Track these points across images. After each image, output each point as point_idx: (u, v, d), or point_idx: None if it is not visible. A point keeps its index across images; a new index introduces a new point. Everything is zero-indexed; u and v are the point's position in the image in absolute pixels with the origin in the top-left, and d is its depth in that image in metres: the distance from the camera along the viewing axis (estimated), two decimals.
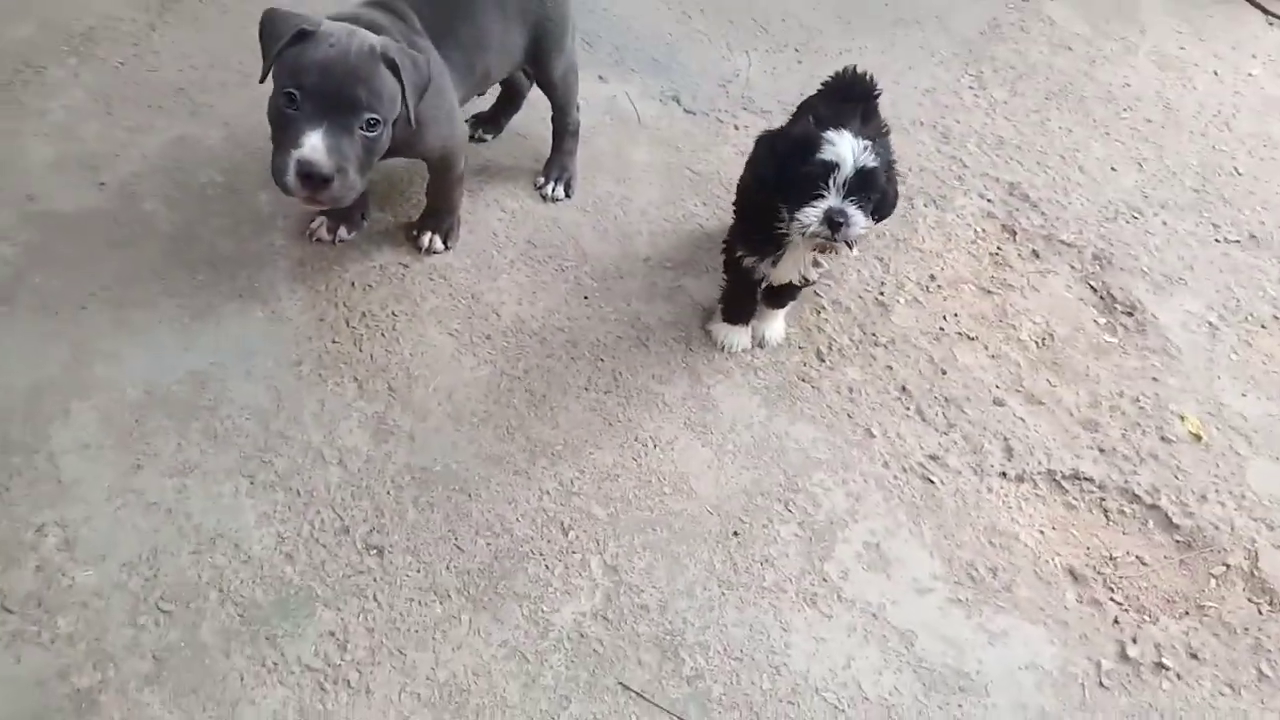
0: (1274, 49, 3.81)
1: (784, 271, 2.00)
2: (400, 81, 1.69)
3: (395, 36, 1.80)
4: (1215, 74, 3.57)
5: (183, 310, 1.95)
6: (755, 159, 1.89)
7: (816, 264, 1.99)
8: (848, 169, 1.74)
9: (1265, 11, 4.03)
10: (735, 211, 2.04)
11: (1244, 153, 3.20)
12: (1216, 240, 2.82)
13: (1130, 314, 2.51)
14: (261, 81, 1.68)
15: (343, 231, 2.14)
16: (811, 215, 1.75)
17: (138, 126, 2.28)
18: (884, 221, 1.98)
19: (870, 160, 1.75)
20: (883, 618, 1.77)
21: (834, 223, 1.74)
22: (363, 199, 2.16)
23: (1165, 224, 2.82)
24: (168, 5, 2.60)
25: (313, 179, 1.62)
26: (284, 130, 1.65)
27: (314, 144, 1.61)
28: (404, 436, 1.84)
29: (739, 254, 2.02)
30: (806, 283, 2.06)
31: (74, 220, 2.05)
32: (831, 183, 1.74)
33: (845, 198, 1.75)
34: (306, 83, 1.62)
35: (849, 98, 2.08)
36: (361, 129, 1.67)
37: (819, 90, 2.16)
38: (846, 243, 1.80)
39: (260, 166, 2.25)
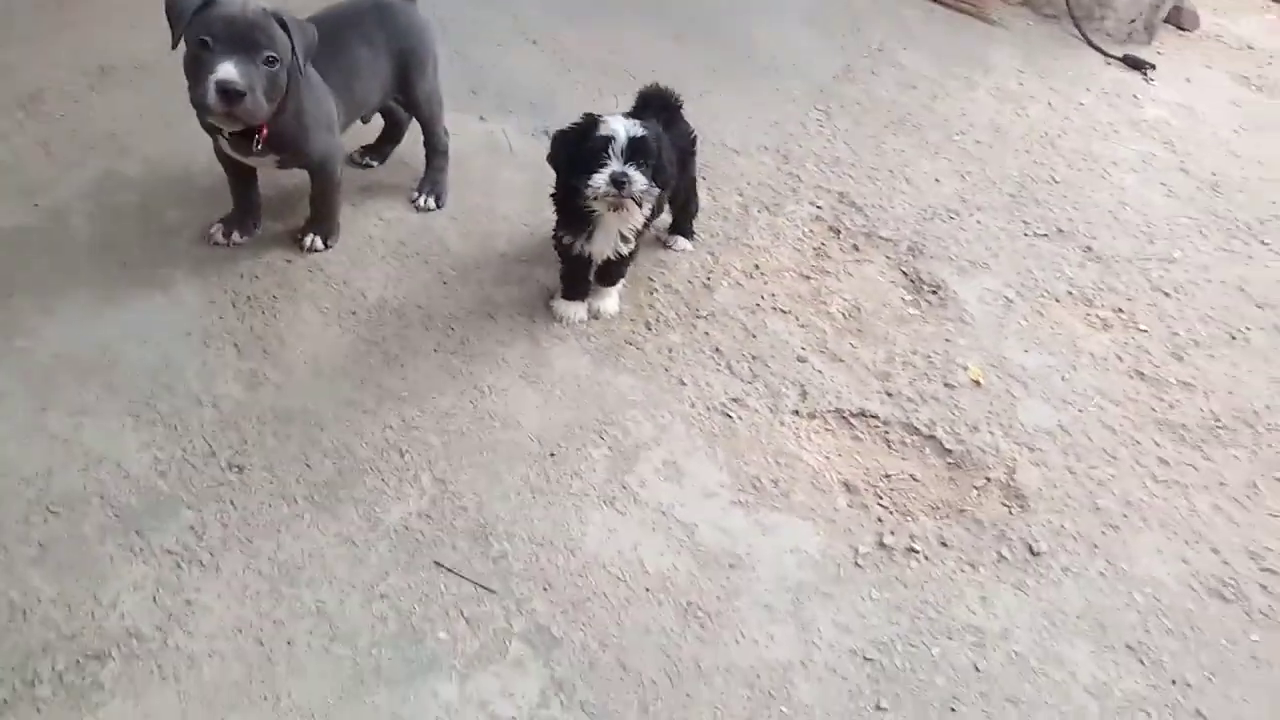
0: (1108, 83, 4.30)
1: (600, 246, 2.38)
2: (289, 35, 2.11)
3: None
4: (1049, 104, 4.04)
5: (94, 297, 2.33)
6: (553, 149, 2.30)
7: (624, 238, 2.38)
8: (622, 140, 2.15)
9: (1103, 53, 4.55)
10: (554, 205, 2.44)
11: (1063, 165, 3.63)
12: (1025, 234, 3.22)
13: (935, 292, 2.88)
14: (174, 47, 2.09)
15: (236, 235, 2.54)
16: (599, 180, 2.15)
17: (72, 163, 2.70)
18: (665, 189, 2.34)
19: (639, 131, 2.16)
20: (670, 515, 2.09)
21: (618, 181, 2.14)
22: (255, 210, 2.57)
23: (979, 222, 3.22)
24: (106, 72, 3.06)
25: (229, 94, 2.01)
26: (200, 67, 2.04)
27: (228, 68, 2.01)
28: (271, 387, 2.20)
29: (562, 237, 2.41)
30: (621, 258, 2.43)
31: (8, 233, 2.45)
32: (611, 152, 2.15)
33: (625, 163, 2.15)
34: (216, 31, 2.03)
35: (653, 107, 2.50)
36: (263, 63, 2.07)
37: (632, 105, 2.58)
38: (634, 199, 2.19)
39: (172, 188, 2.67)
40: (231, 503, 1.95)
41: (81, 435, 2.02)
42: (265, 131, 2.20)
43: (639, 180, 2.16)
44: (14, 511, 1.87)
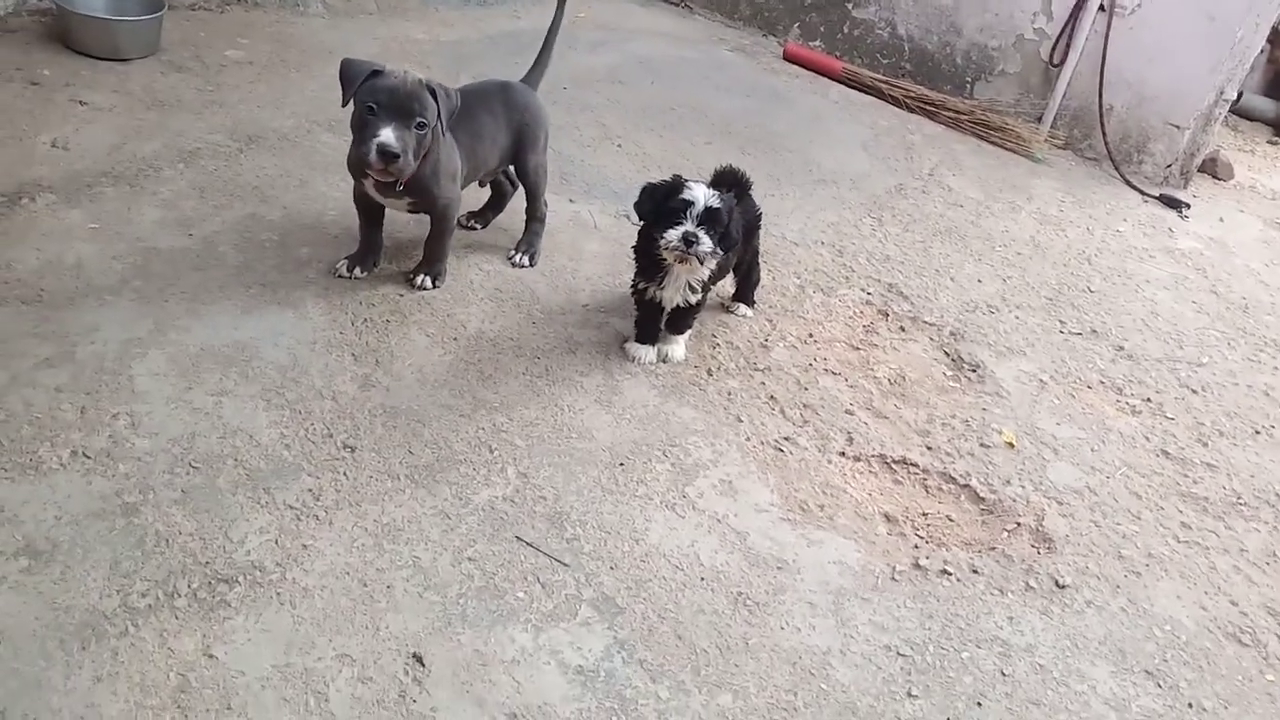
0: (1144, 217, 4.64)
1: (670, 293, 2.71)
2: (437, 103, 2.55)
3: None
4: (1087, 229, 4.37)
5: (235, 308, 2.70)
6: (640, 198, 2.66)
7: (691, 288, 2.70)
8: (699, 206, 2.50)
9: (1141, 192, 4.91)
10: (634, 255, 2.78)
11: (1099, 279, 3.93)
12: (1060, 331, 3.49)
13: (974, 370, 3.15)
14: (344, 105, 2.55)
15: (359, 270, 2.92)
16: (672, 235, 2.49)
17: (221, 205, 3.14)
18: (728, 252, 2.67)
19: (715, 202, 2.51)
20: (725, 522, 2.32)
21: (688, 239, 2.48)
22: (377, 250, 2.96)
23: (1017, 318, 3.51)
24: (254, 139, 3.55)
25: (386, 155, 2.45)
26: (364, 129, 2.50)
27: (387, 134, 2.46)
28: (381, 389, 2.51)
29: (638, 284, 2.75)
30: (689, 306, 2.75)
31: (167, 253, 2.86)
32: (688, 214, 2.50)
33: (698, 226, 2.50)
34: (382, 100, 2.49)
35: (725, 184, 2.86)
36: (415, 128, 2.51)
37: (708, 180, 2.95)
38: (698, 258, 2.52)
39: (305, 231, 3.08)
40: (344, 474, 2.23)
41: (221, 410, 2.34)
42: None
43: (705, 242, 2.50)
44: (162, 463, 2.17)
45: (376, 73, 2.52)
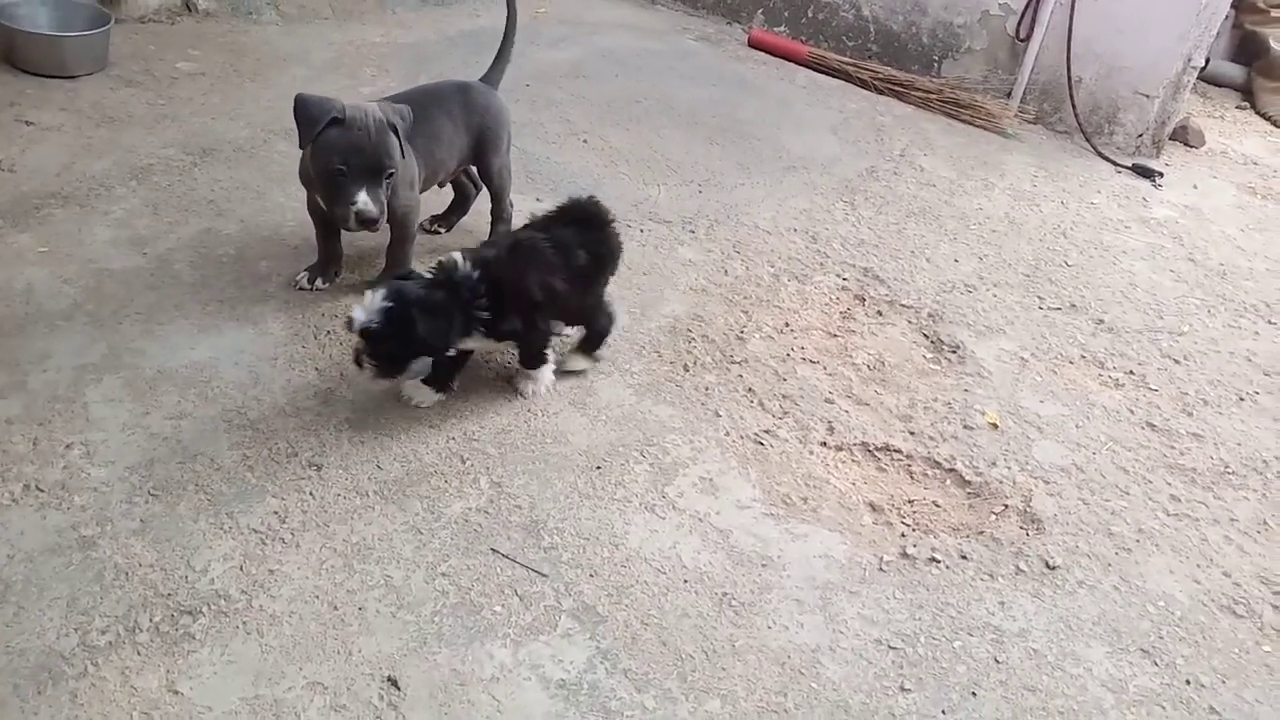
0: (1118, 187, 4.60)
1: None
2: (399, 138, 2.48)
3: None
4: (1062, 203, 4.33)
5: (193, 327, 2.61)
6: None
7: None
8: (355, 326, 2.23)
9: (1113, 163, 4.87)
10: None
11: (1076, 252, 3.89)
12: (1039, 308, 3.44)
13: (954, 351, 3.10)
14: (301, 148, 2.51)
15: (319, 281, 2.83)
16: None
17: (175, 221, 3.05)
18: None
19: (376, 321, 2.21)
20: (706, 521, 2.26)
21: (357, 358, 2.30)
22: (337, 260, 2.88)
23: (995, 296, 3.46)
24: (208, 151, 3.46)
25: (366, 221, 2.44)
26: (338, 190, 2.46)
27: (364, 199, 2.44)
28: (346, 403, 2.44)
29: None
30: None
31: (120, 274, 2.77)
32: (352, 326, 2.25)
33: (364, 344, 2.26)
34: (352, 161, 2.43)
35: (576, 222, 2.50)
36: (386, 179, 2.48)
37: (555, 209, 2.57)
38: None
39: (263, 245, 3.00)
40: (311, 494, 2.16)
41: (180, 434, 2.26)
42: None
43: (367, 369, 2.28)
44: (119, 493, 2.09)
45: (337, 120, 2.44)
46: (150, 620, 1.84)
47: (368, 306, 2.22)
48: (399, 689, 1.79)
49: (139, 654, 1.78)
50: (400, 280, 2.36)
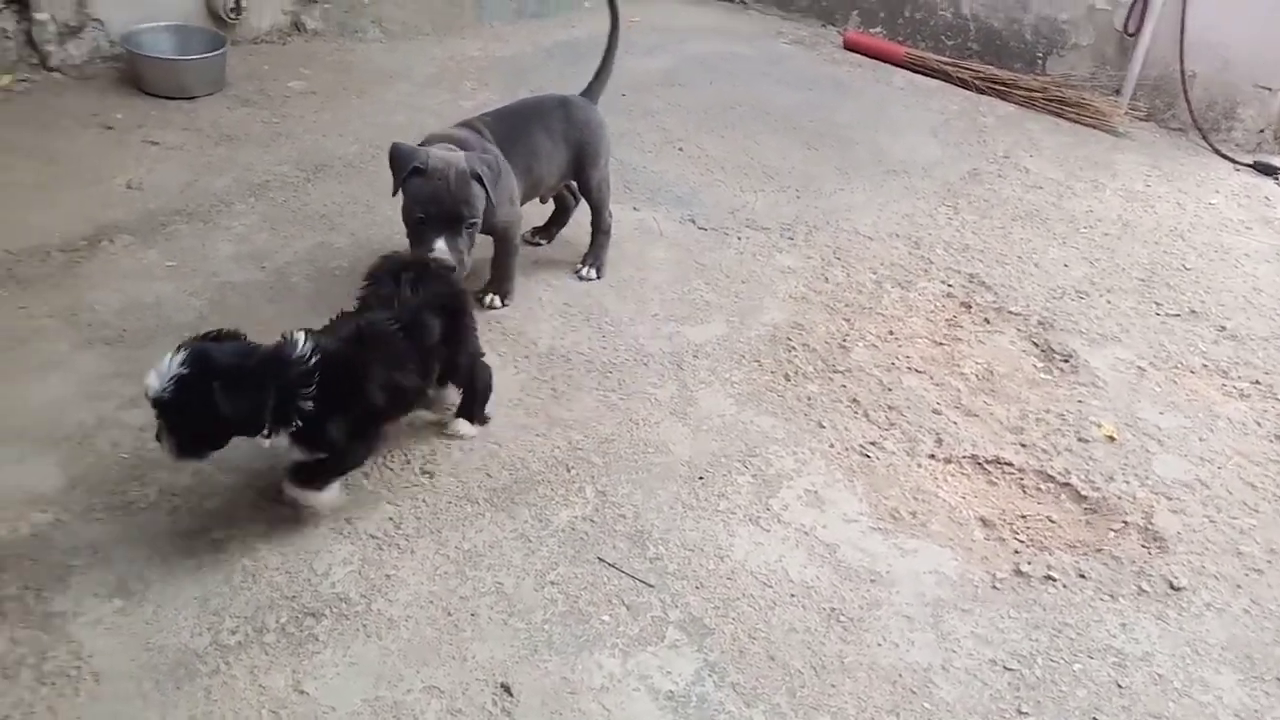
0: (1238, 186, 4.39)
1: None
2: (484, 187, 2.52)
3: (474, 146, 2.65)
4: (1178, 204, 4.16)
5: None
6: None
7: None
8: (149, 395, 1.86)
9: (1232, 160, 4.65)
10: None
11: (1194, 255, 3.73)
12: (1156, 314, 3.31)
13: (1066, 360, 3.00)
14: (394, 195, 2.57)
15: None
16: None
17: (291, 236, 3.17)
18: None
19: (169, 390, 1.83)
20: (813, 535, 2.24)
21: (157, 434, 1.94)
22: None
23: (1109, 302, 3.34)
24: (320, 167, 3.59)
25: (443, 269, 2.45)
26: (420, 236, 2.52)
27: (441, 247, 2.48)
28: None
29: None
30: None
31: (242, 286, 2.89)
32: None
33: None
34: (430, 210, 2.50)
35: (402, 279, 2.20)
36: (467, 229, 2.53)
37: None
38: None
39: (374, 257, 3.06)
40: (424, 501, 2.22)
41: None
42: None
43: (163, 440, 1.93)
44: (246, 498, 2.19)
45: (418, 170, 2.49)
46: (276, 621, 1.92)
47: (161, 372, 1.83)
48: (512, 695, 1.82)
49: (266, 654, 1.86)
50: (210, 341, 1.94)
